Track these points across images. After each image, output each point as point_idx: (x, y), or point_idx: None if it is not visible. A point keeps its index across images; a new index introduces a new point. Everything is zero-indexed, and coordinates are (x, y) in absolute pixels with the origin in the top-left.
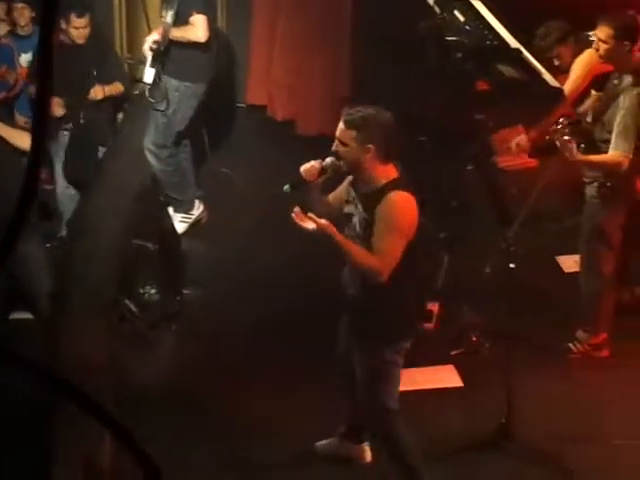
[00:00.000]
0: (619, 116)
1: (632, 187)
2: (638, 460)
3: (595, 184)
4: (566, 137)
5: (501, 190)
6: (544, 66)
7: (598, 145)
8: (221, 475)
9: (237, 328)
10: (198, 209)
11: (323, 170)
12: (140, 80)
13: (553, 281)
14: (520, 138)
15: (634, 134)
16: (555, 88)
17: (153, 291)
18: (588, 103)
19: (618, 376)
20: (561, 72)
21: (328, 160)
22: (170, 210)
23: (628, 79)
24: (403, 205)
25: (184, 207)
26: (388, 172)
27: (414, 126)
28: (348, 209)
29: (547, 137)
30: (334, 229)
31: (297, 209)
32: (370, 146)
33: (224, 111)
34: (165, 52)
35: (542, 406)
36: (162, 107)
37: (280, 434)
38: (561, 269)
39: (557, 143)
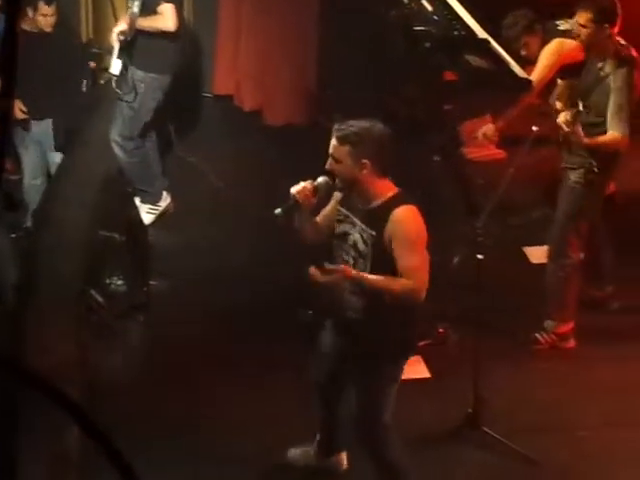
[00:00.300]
0: (612, 97)
1: (613, 173)
2: (602, 451)
3: (581, 170)
4: (569, 121)
5: (469, 181)
6: (511, 56)
7: (586, 129)
8: (189, 467)
9: (204, 318)
10: (165, 200)
11: (316, 190)
12: (106, 70)
13: (520, 272)
14: (487, 128)
15: (627, 114)
16: (523, 78)
17: (120, 282)
18: (558, 92)
19: (583, 368)
20: (528, 62)
21: (321, 180)
22: (137, 201)
23: (611, 62)
24: (415, 219)
25: (151, 198)
26: (387, 187)
27: (379, 116)
28: (342, 228)
29: (535, 128)
30: (352, 271)
31: (312, 270)
32: (365, 161)
33: (190, 101)
34: (132, 43)
35: (508, 397)
36: (129, 98)
37: (249, 426)
38: (528, 260)
39: (563, 128)
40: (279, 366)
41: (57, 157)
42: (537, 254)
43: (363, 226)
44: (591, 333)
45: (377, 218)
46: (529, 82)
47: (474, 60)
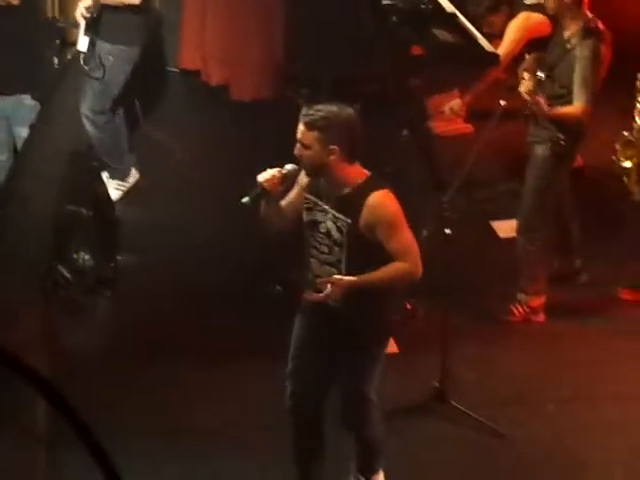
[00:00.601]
0: (578, 68)
1: (580, 146)
2: (570, 424)
3: (548, 143)
4: (530, 90)
5: (436, 155)
6: (478, 31)
7: (550, 101)
8: (158, 441)
9: (172, 294)
10: (133, 177)
11: (284, 178)
12: (73, 44)
13: (488, 246)
14: (454, 102)
15: (592, 85)
16: (490, 53)
17: (87, 257)
18: (525, 65)
19: (552, 342)
20: (495, 37)
21: (289, 167)
22: (105, 177)
23: (578, 34)
24: (392, 202)
25: (119, 174)
26: (357, 172)
27: (347, 91)
28: (311, 216)
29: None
30: (346, 279)
31: (306, 295)
32: (334, 147)
33: (156, 76)
34: (98, 17)
35: (477, 371)
36: (98, 75)
37: (216, 401)
38: (496, 234)
39: (525, 97)
40: (247, 342)
41: (23, 132)
42: (504, 228)
43: (336, 214)
44: (560, 307)
45: (351, 205)
46: (496, 56)
47: (441, 34)
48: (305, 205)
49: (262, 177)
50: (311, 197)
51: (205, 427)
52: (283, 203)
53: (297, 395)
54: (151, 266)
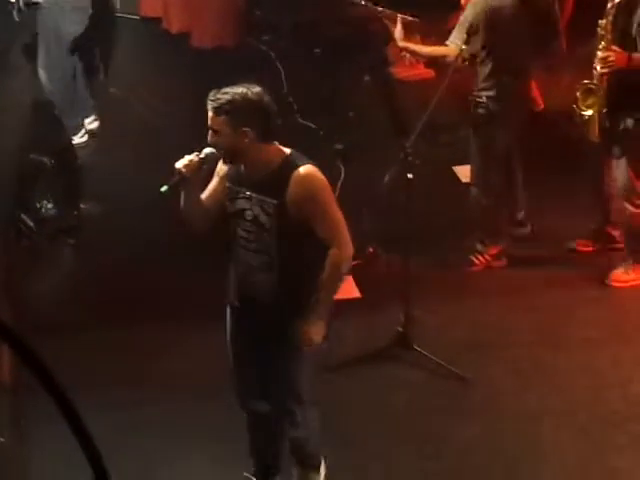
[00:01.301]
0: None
1: (517, 108)
2: (532, 368)
3: (482, 101)
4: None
5: (398, 101)
6: None
7: None
8: (121, 391)
9: (135, 242)
10: (92, 124)
11: (203, 162)
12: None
13: (450, 191)
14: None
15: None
16: None
17: (50, 205)
18: None
19: (513, 287)
20: None
21: (207, 150)
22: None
23: None
24: (319, 177)
25: (78, 124)
26: (276, 151)
27: (308, 37)
28: (236, 206)
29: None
30: (318, 326)
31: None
32: (246, 129)
33: (111, 23)
34: None
35: (440, 315)
36: (51, 26)
37: (175, 351)
38: (458, 179)
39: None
40: (207, 293)
41: None
42: (467, 173)
43: (260, 197)
44: (520, 255)
45: (274, 185)
46: (458, 1)
47: None
48: (229, 196)
49: (180, 163)
50: (233, 186)
51: (169, 373)
52: (203, 196)
53: (242, 394)
54: (114, 214)
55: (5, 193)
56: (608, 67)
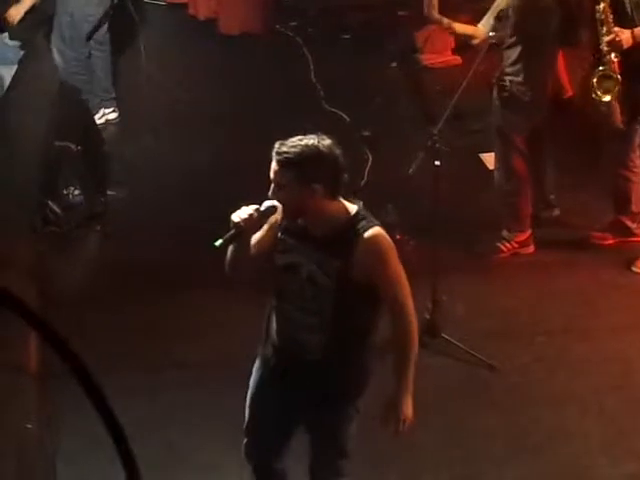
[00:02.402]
0: None
1: (540, 94)
2: (559, 356)
3: (506, 85)
4: None
5: (426, 87)
6: None
7: None
8: (150, 375)
9: (163, 228)
10: (111, 114)
11: (262, 217)
12: None
13: (478, 178)
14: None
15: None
16: None
17: (77, 192)
18: None
19: (541, 274)
20: None
21: (268, 203)
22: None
23: None
24: (388, 240)
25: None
26: (342, 208)
27: (336, 23)
28: (287, 259)
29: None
30: (407, 409)
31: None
32: (315, 186)
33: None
34: None
35: (468, 303)
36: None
37: (208, 333)
38: (485, 166)
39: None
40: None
41: (3, 70)
42: (493, 160)
43: (321, 255)
44: (548, 241)
45: (339, 245)
46: None
47: None
48: (279, 247)
49: (238, 216)
50: (287, 238)
51: (199, 360)
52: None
53: (253, 447)
54: (141, 200)
55: (31, 180)
56: (618, 48)
